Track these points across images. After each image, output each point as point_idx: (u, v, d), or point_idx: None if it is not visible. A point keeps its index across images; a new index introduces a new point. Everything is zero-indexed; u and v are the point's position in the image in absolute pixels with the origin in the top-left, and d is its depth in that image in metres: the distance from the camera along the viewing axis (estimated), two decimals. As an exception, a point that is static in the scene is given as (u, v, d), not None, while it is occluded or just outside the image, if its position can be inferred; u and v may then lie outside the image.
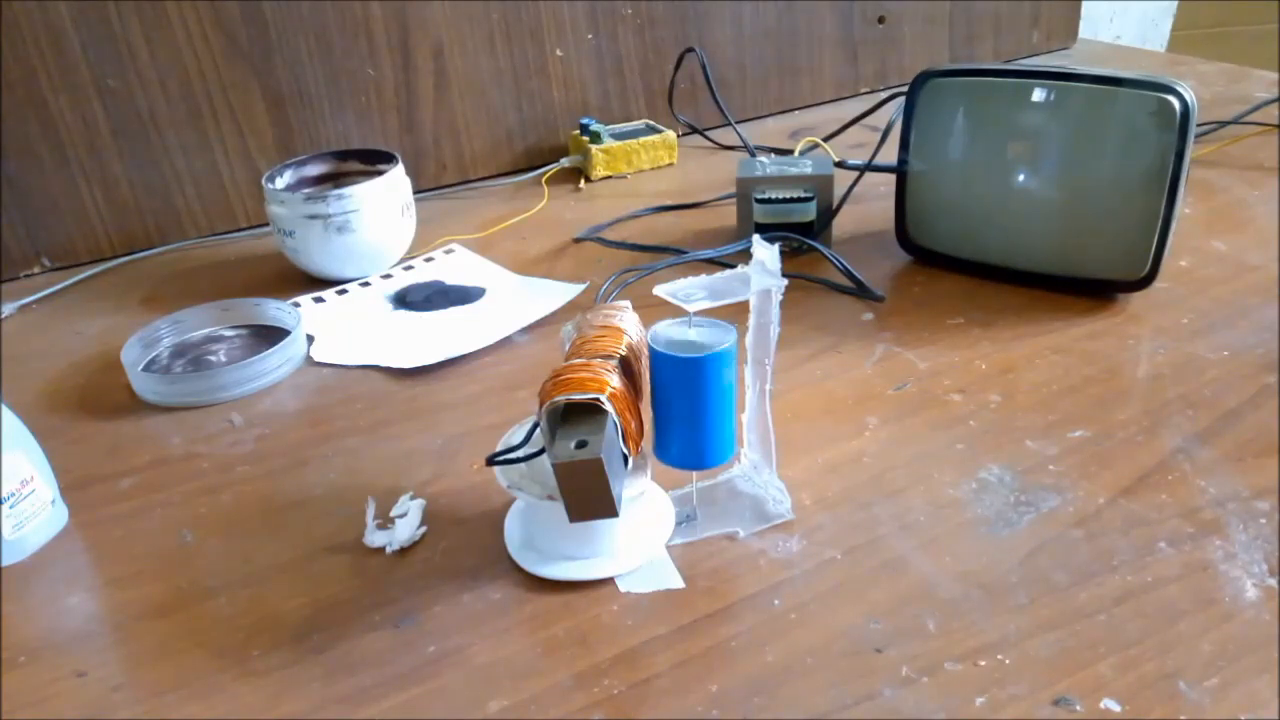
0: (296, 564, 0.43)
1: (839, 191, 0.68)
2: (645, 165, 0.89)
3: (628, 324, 0.41)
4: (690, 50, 0.92)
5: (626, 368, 0.38)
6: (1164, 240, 0.55)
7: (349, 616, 0.40)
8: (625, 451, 0.37)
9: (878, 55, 1.05)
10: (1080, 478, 0.44)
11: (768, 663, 0.36)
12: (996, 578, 0.39)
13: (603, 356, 0.37)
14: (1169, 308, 0.57)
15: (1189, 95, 0.53)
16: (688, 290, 0.37)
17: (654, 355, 0.38)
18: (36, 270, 0.78)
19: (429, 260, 0.74)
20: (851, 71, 1.04)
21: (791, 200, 0.66)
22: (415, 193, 0.72)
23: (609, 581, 0.40)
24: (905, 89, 0.61)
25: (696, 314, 0.38)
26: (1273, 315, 0.55)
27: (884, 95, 0.78)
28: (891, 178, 0.64)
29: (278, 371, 0.58)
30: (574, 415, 0.36)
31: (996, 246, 0.61)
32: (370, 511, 0.45)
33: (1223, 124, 0.83)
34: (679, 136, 0.92)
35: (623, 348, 0.38)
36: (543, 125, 0.91)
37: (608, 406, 0.35)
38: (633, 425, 0.37)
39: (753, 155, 0.86)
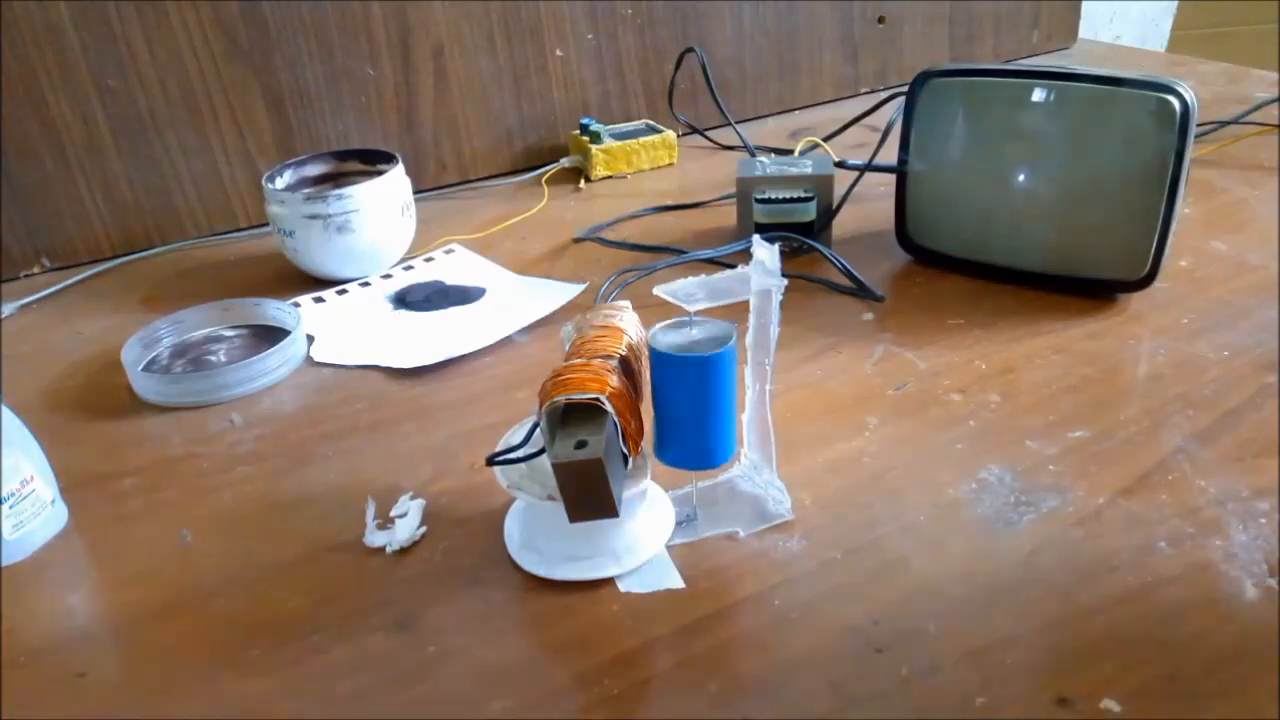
0: (296, 564, 0.43)
1: (839, 191, 0.68)
2: (645, 165, 0.89)
3: (628, 324, 0.41)
4: (690, 50, 0.92)
5: (626, 368, 0.38)
6: (1164, 240, 0.55)
7: (349, 616, 0.39)
8: (625, 451, 0.37)
9: (878, 55, 1.05)
10: (1080, 478, 0.44)
11: (768, 663, 0.36)
12: (997, 578, 0.39)
13: (603, 356, 0.37)
14: (1169, 308, 0.57)
15: (1189, 95, 0.53)
16: (688, 290, 0.37)
17: (654, 355, 0.38)
18: (36, 270, 0.78)
19: (429, 260, 0.74)
20: (851, 71, 1.04)
21: (791, 200, 0.66)
22: (415, 193, 0.73)
23: (609, 582, 0.40)
24: (905, 89, 0.61)
25: (696, 314, 0.38)
26: (1272, 315, 0.55)
27: (884, 95, 0.78)
28: (891, 178, 0.64)
29: (278, 371, 0.58)
30: (574, 415, 0.36)
31: (997, 246, 0.61)
32: (370, 511, 0.45)
33: (1223, 124, 0.83)
34: (679, 136, 0.92)
35: (622, 348, 0.38)
36: (543, 125, 0.91)
37: (607, 406, 0.35)
38: (632, 425, 0.37)
39: (753, 155, 0.86)
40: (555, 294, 0.64)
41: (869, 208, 0.73)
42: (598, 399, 0.35)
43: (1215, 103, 0.91)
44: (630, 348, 0.39)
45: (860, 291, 0.62)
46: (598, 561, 0.40)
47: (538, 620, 0.39)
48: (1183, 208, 0.57)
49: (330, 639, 0.38)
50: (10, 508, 0.44)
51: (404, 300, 0.67)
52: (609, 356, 0.37)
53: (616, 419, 0.35)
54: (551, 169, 0.89)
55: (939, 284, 0.63)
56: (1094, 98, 0.55)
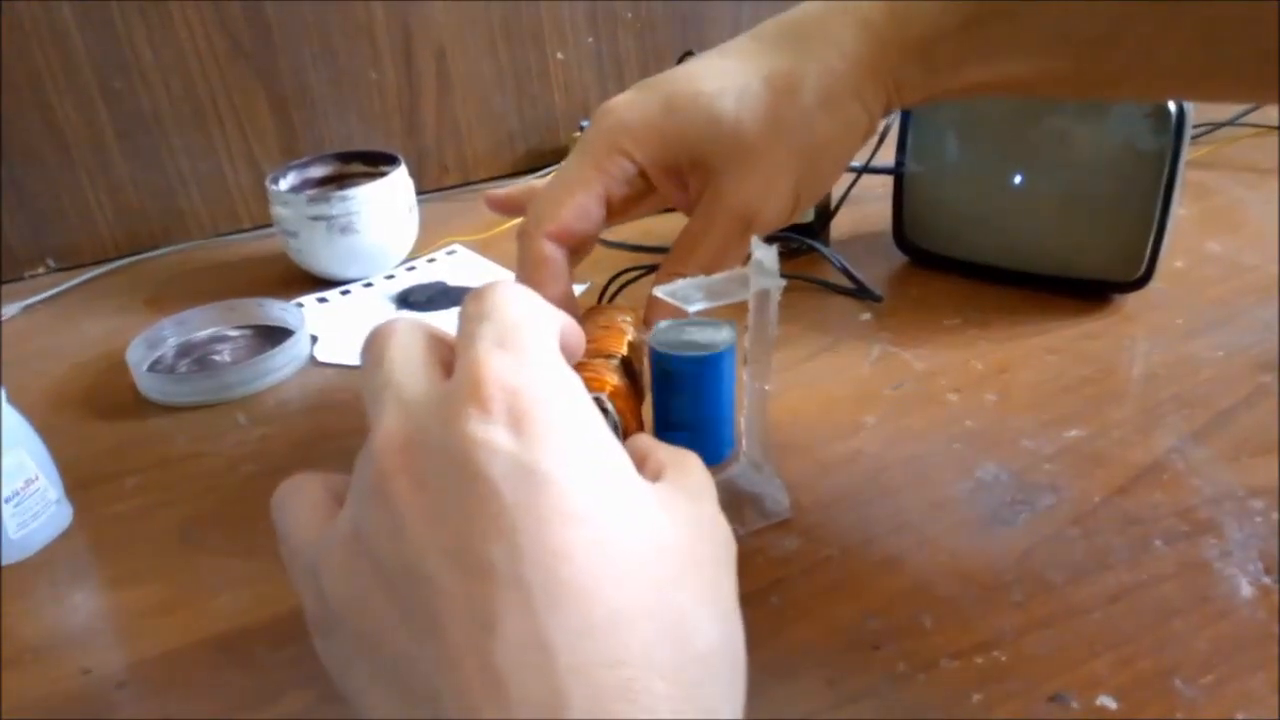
0: (300, 562, 0.43)
1: (837, 193, 0.68)
2: (646, 167, 0.89)
3: (628, 325, 0.41)
4: (689, 53, 0.92)
5: (628, 369, 0.38)
6: (1159, 241, 0.55)
7: (352, 613, 0.40)
8: None
9: (877, 57, 1.05)
10: (1076, 476, 0.44)
11: (765, 660, 0.36)
12: (992, 576, 0.39)
13: (604, 356, 0.38)
14: (1164, 308, 0.58)
15: (1185, 97, 0.53)
16: (687, 291, 0.37)
17: (653, 355, 0.38)
18: (41, 271, 0.78)
19: (431, 261, 0.74)
20: (851, 74, 1.04)
21: (791, 202, 0.67)
22: (418, 194, 0.73)
23: (609, 579, 0.40)
24: (904, 91, 0.62)
25: (696, 314, 0.38)
26: (1267, 315, 0.56)
27: (883, 97, 0.79)
28: (889, 179, 0.64)
29: (282, 371, 0.59)
30: None
31: (993, 247, 0.61)
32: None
33: (1218, 125, 0.83)
34: (679, 138, 0.93)
35: (624, 348, 0.39)
36: (544, 127, 0.91)
37: (608, 405, 0.35)
38: (634, 425, 0.37)
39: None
40: (556, 295, 0.64)
41: (866, 209, 0.73)
42: (598, 398, 0.35)
43: (1211, 104, 0.91)
44: (632, 348, 0.39)
45: (860, 292, 0.62)
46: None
47: (538, 617, 0.39)
48: (1178, 209, 0.57)
49: (333, 635, 0.39)
50: (15, 506, 0.44)
51: (407, 300, 0.68)
52: (611, 356, 0.38)
53: (617, 418, 0.36)
54: (553, 171, 0.89)
55: (936, 285, 0.63)
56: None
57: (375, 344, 0.27)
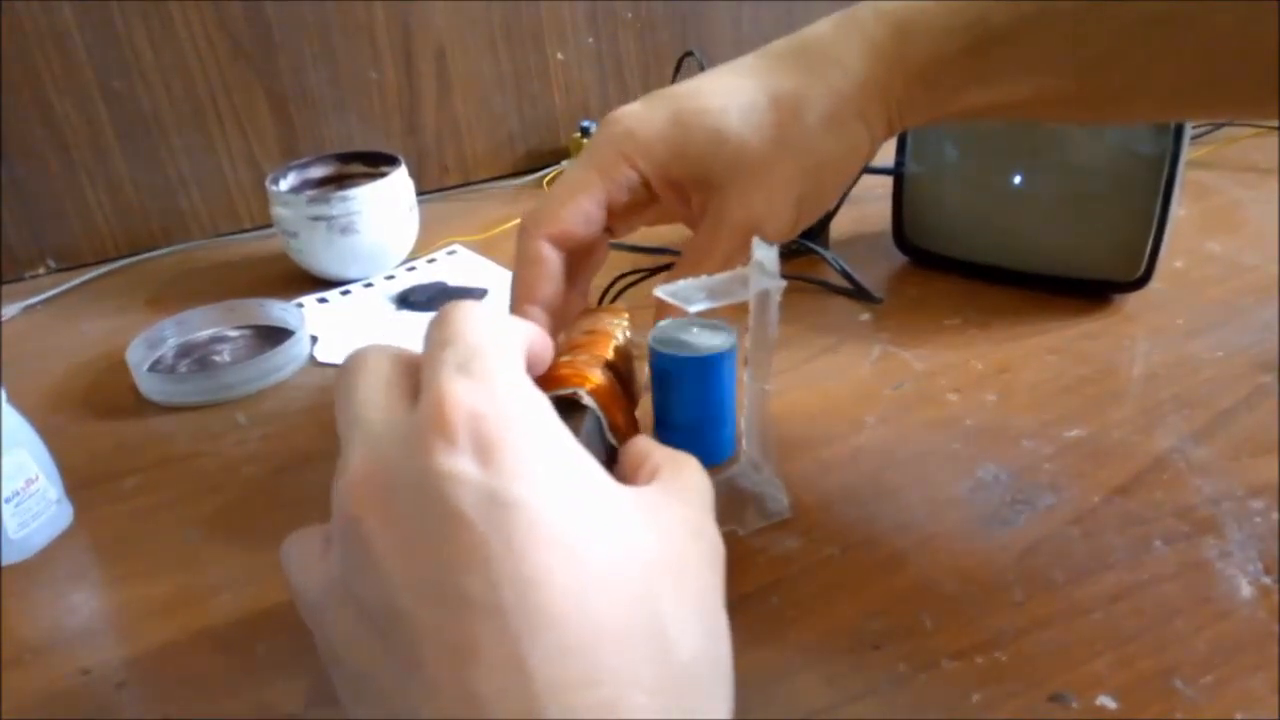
0: (300, 562, 0.43)
1: (838, 193, 0.68)
2: (646, 167, 0.89)
3: (618, 329, 0.41)
4: (689, 54, 0.92)
5: (616, 371, 0.38)
6: (1159, 241, 0.55)
7: (352, 613, 0.40)
8: (614, 444, 0.37)
9: (877, 58, 1.05)
10: (1076, 476, 0.44)
11: (765, 660, 0.36)
12: (993, 575, 0.39)
13: (588, 356, 0.37)
14: (1164, 308, 0.58)
15: (1185, 98, 0.53)
16: (688, 291, 0.37)
17: (654, 356, 0.38)
18: (41, 271, 0.78)
19: (431, 261, 0.74)
20: (851, 74, 1.04)
21: (791, 202, 0.67)
22: (418, 194, 0.73)
23: (609, 579, 0.40)
24: (904, 92, 0.62)
25: (696, 315, 0.38)
26: (1267, 315, 0.56)
27: (883, 98, 0.79)
28: (888, 179, 0.65)
29: (282, 371, 0.59)
30: (562, 416, 0.36)
31: (993, 247, 0.61)
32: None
33: (1218, 126, 0.84)
34: (679, 139, 0.93)
35: (609, 353, 0.38)
36: (544, 128, 0.92)
37: (587, 400, 0.35)
38: (620, 421, 0.37)
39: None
40: (556, 295, 0.64)
41: (866, 210, 0.73)
42: (577, 393, 0.35)
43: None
44: (619, 352, 0.39)
45: (859, 293, 0.62)
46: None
47: (539, 617, 0.39)
48: (1178, 209, 0.57)
49: (333, 635, 0.39)
50: (15, 507, 0.44)
51: (407, 301, 0.68)
52: (596, 358, 0.37)
53: (601, 414, 0.35)
54: (552, 171, 0.89)
55: (935, 285, 0.63)
56: (1090, 100, 0.55)
57: (345, 377, 0.28)
